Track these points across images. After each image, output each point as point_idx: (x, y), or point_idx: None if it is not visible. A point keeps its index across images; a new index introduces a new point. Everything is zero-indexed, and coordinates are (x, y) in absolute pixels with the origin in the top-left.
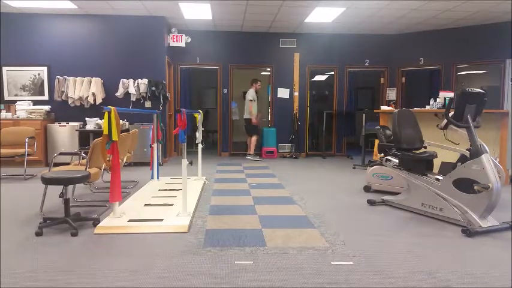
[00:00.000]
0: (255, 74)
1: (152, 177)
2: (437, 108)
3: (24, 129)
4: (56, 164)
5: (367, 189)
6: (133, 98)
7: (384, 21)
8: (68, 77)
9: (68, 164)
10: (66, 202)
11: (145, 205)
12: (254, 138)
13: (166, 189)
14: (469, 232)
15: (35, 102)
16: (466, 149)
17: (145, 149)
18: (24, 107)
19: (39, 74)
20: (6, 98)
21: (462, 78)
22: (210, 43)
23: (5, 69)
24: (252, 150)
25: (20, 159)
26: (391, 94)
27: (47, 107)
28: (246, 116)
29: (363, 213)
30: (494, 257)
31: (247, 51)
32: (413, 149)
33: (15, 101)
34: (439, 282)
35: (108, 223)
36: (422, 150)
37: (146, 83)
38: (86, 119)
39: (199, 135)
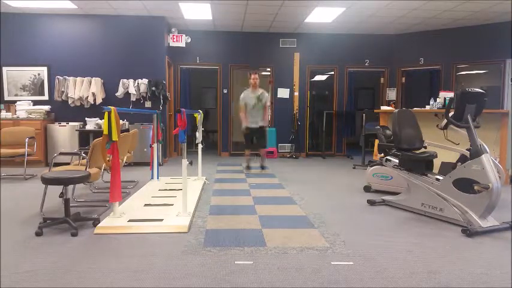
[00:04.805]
0: None
1: (152, 177)
2: (437, 108)
3: (24, 129)
4: (56, 164)
5: (367, 189)
6: (133, 98)
7: (384, 21)
8: (68, 77)
9: (68, 164)
10: (66, 202)
11: (145, 205)
12: (246, 154)
13: (166, 189)
14: (469, 232)
15: (35, 102)
16: (466, 149)
17: (145, 149)
18: (24, 107)
19: (39, 74)
20: (6, 98)
21: (462, 78)
22: (210, 43)
23: (5, 69)
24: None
25: (20, 159)
26: (391, 94)
27: (47, 107)
28: (260, 123)
29: (363, 213)
30: (494, 257)
31: (247, 51)
32: (413, 149)
33: (15, 101)
34: (439, 282)
35: (108, 223)
36: (422, 150)
37: (146, 83)
38: (86, 119)
39: (199, 135)
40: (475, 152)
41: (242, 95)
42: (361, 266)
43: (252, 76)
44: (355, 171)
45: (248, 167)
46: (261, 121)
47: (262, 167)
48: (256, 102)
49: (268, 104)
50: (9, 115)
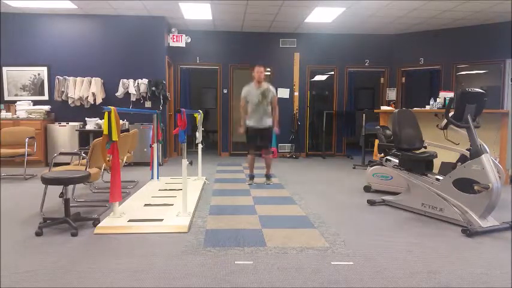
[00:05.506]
0: None
1: (152, 177)
2: (437, 108)
3: (24, 129)
4: (56, 164)
5: (367, 189)
6: (133, 98)
7: (384, 21)
8: (68, 77)
9: (68, 164)
10: (66, 202)
11: (145, 205)
12: (250, 157)
13: (166, 189)
14: (469, 232)
15: (35, 102)
16: (466, 149)
17: (145, 149)
18: (24, 107)
19: (39, 74)
20: (6, 98)
21: (462, 78)
22: (210, 43)
23: (5, 69)
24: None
25: (20, 159)
26: (391, 94)
27: (47, 107)
28: (263, 123)
29: (363, 213)
30: (494, 257)
31: (247, 51)
32: (413, 149)
33: (15, 101)
34: (439, 282)
35: (108, 223)
36: (422, 150)
37: (146, 83)
38: (86, 119)
39: (199, 135)
40: (475, 152)
41: (244, 89)
42: (361, 266)
43: (256, 69)
44: (355, 171)
45: (252, 177)
46: (267, 121)
47: (268, 176)
48: (261, 99)
49: (276, 101)
50: (9, 115)
